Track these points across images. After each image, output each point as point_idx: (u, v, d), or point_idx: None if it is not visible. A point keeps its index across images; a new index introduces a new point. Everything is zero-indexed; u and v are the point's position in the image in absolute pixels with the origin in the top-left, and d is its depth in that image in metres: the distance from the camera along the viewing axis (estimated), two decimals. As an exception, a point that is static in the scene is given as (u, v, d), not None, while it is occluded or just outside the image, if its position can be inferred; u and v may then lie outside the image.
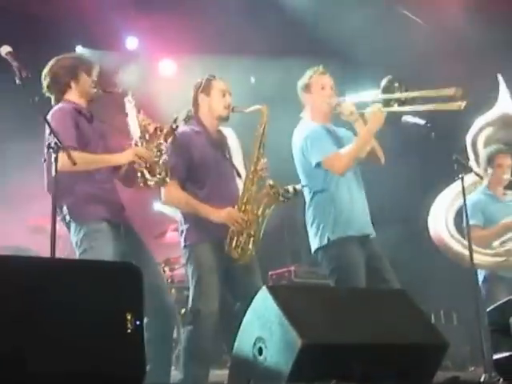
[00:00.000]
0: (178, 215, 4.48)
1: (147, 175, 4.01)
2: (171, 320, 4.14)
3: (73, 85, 4.17)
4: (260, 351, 3.33)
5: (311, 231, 4.49)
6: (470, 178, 5.10)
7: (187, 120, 4.38)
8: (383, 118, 4.40)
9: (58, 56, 4.24)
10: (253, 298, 3.53)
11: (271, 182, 4.16)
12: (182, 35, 6.86)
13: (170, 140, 4.14)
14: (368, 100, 4.47)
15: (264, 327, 3.34)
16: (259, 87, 7.13)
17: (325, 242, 4.38)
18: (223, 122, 4.41)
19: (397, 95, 4.36)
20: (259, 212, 4.17)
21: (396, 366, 3.31)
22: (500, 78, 5.66)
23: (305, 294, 3.65)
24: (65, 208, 3.97)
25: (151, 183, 4.02)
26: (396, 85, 4.38)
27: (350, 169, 4.47)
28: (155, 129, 4.09)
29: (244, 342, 3.45)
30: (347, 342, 3.28)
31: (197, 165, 4.23)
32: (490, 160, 5.44)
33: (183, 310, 5.62)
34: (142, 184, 4.03)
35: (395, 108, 4.38)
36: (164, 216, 6.01)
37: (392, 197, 6.91)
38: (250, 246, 4.14)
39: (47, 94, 4.18)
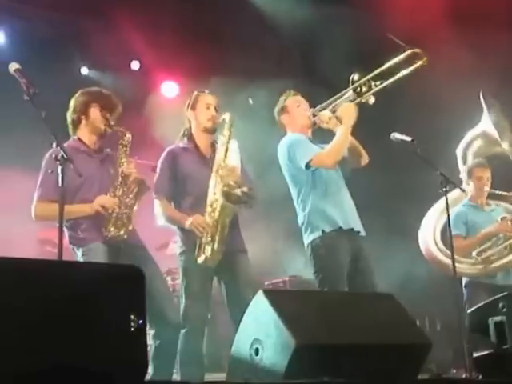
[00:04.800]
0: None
1: (109, 226, 3.99)
2: (179, 327, 4.15)
3: (83, 121, 4.18)
4: (257, 352, 3.31)
5: (303, 229, 4.47)
6: (457, 191, 5.11)
7: (181, 137, 4.42)
8: (355, 110, 4.39)
9: (81, 89, 4.26)
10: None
11: (223, 187, 4.11)
12: (185, 57, 6.89)
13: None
14: (340, 100, 4.49)
15: (260, 329, 3.33)
16: (255, 108, 7.16)
17: (316, 235, 4.37)
18: (210, 133, 4.39)
19: (362, 80, 4.37)
20: (222, 218, 4.15)
21: (384, 364, 3.29)
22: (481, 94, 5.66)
23: (298, 298, 3.65)
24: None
25: (111, 234, 3.99)
26: (358, 75, 4.39)
27: (334, 169, 4.47)
28: (134, 179, 4.06)
29: (241, 344, 3.44)
30: (339, 342, 3.27)
31: (181, 179, 4.27)
32: (470, 173, 5.48)
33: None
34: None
35: (366, 95, 4.37)
36: (166, 228, 5.99)
37: (378, 207, 6.88)
38: (211, 250, 4.12)
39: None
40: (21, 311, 2.53)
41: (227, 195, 4.08)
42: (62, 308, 2.62)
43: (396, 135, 4.55)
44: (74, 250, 4.09)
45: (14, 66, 3.59)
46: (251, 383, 3.11)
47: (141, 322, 2.69)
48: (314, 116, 4.56)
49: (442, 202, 5.49)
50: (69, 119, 4.22)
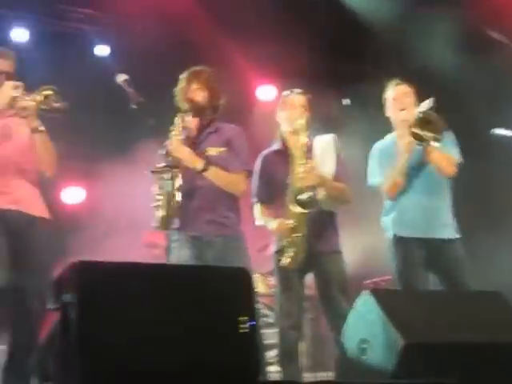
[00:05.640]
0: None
1: None
2: None
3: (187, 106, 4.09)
4: (364, 351, 3.29)
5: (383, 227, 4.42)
6: None
7: (276, 140, 4.39)
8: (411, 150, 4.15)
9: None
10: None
11: (293, 190, 4.06)
12: (281, 61, 6.92)
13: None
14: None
15: (367, 329, 3.31)
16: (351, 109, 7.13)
17: (389, 236, 4.30)
18: (298, 134, 4.20)
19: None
20: (295, 219, 4.09)
21: (494, 364, 3.20)
22: None
23: (404, 296, 3.63)
24: None
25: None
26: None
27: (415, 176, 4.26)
28: None
29: (348, 343, 3.43)
30: (447, 341, 3.20)
31: (273, 182, 4.26)
32: None
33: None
34: None
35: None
36: (267, 230, 6.03)
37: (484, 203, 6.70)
38: (293, 253, 4.10)
39: None
40: (145, 314, 2.62)
41: (295, 199, 4.06)
42: (176, 311, 2.68)
43: (497, 131, 4.41)
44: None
45: (121, 77, 3.72)
46: (359, 383, 3.11)
47: (252, 322, 2.72)
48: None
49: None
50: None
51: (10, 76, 3.60)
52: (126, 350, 2.58)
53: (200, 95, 4.06)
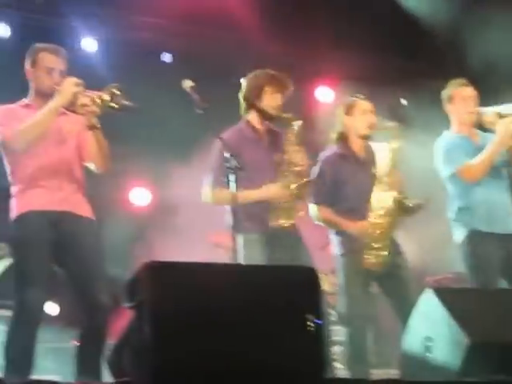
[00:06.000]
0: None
1: (275, 215, 4.03)
2: None
3: (256, 104, 4.15)
4: (428, 350, 3.29)
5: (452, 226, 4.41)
6: None
7: (336, 142, 4.39)
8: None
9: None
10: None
11: (396, 196, 4.09)
12: (340, 63, 6.92)
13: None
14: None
15: (431, 327, 3.32)
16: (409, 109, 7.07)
17: (461, 237, 4.28)
18: (367, 139, 4.35)
19: None
20: (390, 225, 4.14)
21: None
22: None
23: (467, 295, 3.61)
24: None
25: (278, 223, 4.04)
26: None
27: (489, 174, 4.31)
28: (301, 171, 4.08)
29: (412, 342, 3.43)
30: (512, 340, 3.19)
31: (338, 185, 4.26)
32: None
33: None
34: None
35: None
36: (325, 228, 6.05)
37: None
38: (380, 258, 4.13)
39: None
40: (215, 314, 2.69)
41: (399, 204, 4.09)
42: (245, 310, 2.74)
43: None
44: (233, 237, 4.02)
45: (188, 84, 3.78)
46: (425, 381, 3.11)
47: (318, 321, 2.77)
48: (479, 114, 4.38)
49: None
50: (241, 100, 4.22)
51: (63, 74, 3.67)
52: (197, 349, 2.65)
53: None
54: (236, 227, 3.79)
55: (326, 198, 4.28)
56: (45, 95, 3.65)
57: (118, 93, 3.59)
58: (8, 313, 3.88)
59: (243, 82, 4.22)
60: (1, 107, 3.70)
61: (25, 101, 3.75)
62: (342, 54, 6.95)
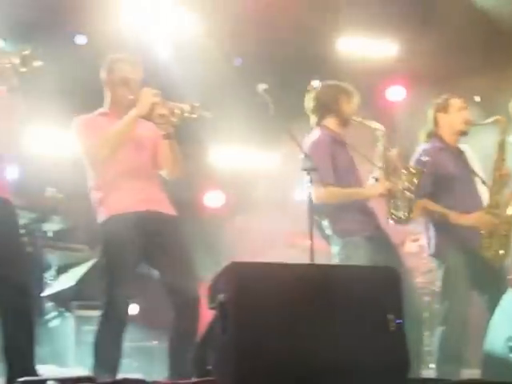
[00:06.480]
0: (417, 227, 4.52)
1: (392, 210, 4.06)
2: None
3: (334, 111, 4.22)
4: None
5: None
6: None
7: (428, 138, 4.44)
8: None
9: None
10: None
11: None
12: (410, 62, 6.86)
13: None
14: None
15: (514, 327, 3.26)
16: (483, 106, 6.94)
17: None
18: (463, 136, 4.43)
19: None
20: (509, 214, 4.14)
21: None
22: None
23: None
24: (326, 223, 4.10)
25: (394, 218, 4.07)
26: None
27: None
28: (406, 168, 4.10)
29: (495, 342, 3.38)
30: None
31: (444, 178, 4.27)
32: None
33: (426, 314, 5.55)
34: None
35: None
36: (402, 227, 5.98)
37: None
38: (502, 248, 4.09)
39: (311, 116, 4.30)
40: (296, 314, 2.71)
41: None
42: (325, 310, 2.75)
43: None
44: (328, 241, 4.12)
45: (262, 87, 3.85)
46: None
47: (399, 321, 2.75)
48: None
49: None
50: (316, 108, 4.28)
51: (140, 83, 3.77)
52: (278, 348, 2.66)
53: None
54: (336, 232, 4.01)
55: (430, 192, 4.25)
56: (121, 104, 3.76)
57: (197, 104, 3.70)
58: (95, 313, 3.99)
59: (315, 88, 4.30)
60: (81, 118, 3.82)
61: (101, 110, 3.87)
62: (414, 53, 6.88)
